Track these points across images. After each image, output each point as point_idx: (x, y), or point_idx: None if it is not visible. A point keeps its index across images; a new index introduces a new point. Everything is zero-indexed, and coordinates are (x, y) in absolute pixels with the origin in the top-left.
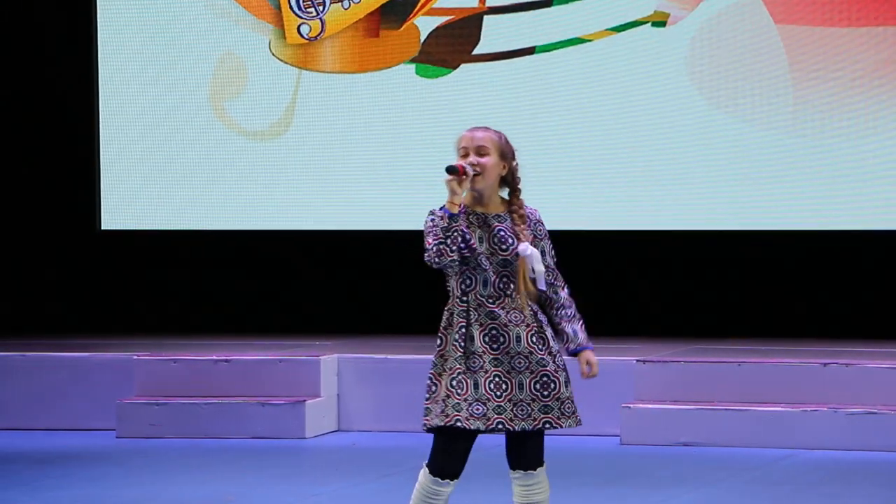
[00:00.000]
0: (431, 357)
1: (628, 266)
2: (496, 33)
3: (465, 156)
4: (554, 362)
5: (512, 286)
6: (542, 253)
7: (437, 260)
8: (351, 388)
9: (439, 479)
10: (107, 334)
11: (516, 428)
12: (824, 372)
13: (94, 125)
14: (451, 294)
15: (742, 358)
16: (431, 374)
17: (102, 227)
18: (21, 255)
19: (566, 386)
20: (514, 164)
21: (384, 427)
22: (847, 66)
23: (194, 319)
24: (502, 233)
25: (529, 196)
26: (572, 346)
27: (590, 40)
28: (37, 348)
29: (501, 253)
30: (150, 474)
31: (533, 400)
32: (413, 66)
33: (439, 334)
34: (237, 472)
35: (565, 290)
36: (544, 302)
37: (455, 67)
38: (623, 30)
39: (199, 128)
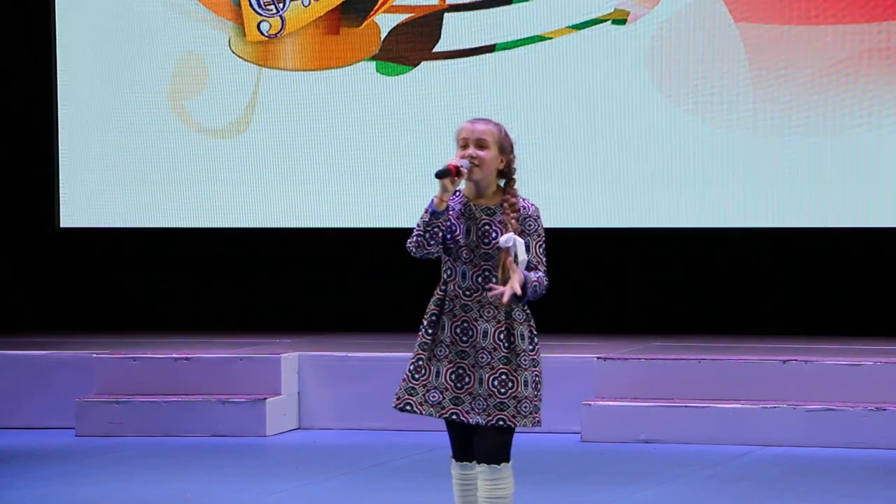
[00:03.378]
0: (392, 354)
1: (588, 264)
2: (456, 31)
3: (465, 146)
4: (517, 361)
5: (492, 280)
6: (527, 247)
7: (414, 250)
8: (312, 386)
9: (458, 463)
10: (66, 332)
11: (471, 420)
12: (783, 369)
13: (52, 123)
14: (440, 280)
15: (702, 355)
16: (412, 357)
17: (61, 226)
18: None
19: (526, 386)
20: (512, 157)
21: (345, 425)
22: (806, 65)
23: (154, 318)
24: (487, 227)
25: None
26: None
27: (550, 38)
28: None
29: (484, 247)
30: (109, 473)
31: (490, 395)
32: (373, 63)
33: (423, 320)
34: (197, 471)
35: (541, 272)
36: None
37: (415, 65)
38: (583, 28)
39: (159, 126)
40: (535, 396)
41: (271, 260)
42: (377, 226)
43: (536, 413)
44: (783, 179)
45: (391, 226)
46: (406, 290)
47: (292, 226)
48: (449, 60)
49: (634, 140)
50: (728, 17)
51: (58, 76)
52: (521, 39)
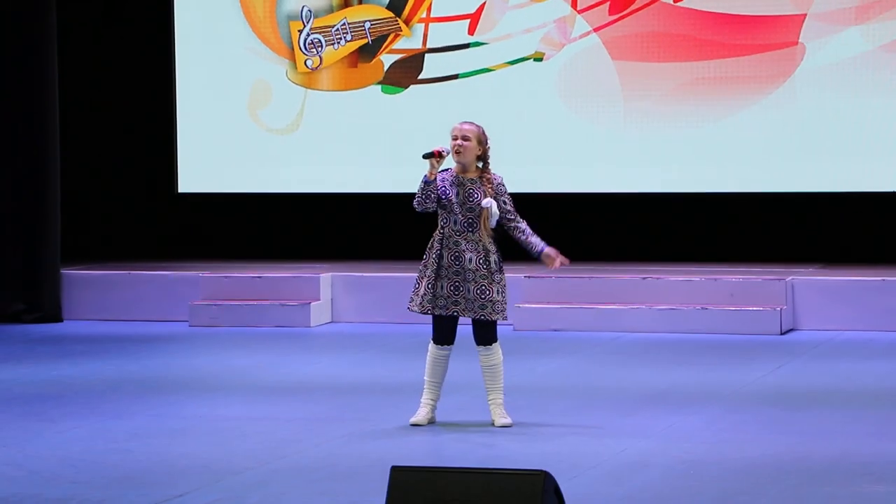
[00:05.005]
0: (392, 274)
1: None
2: (433, 65)
3: (455, 139)
4: (490, 277)
5: (474, 226)
6: (503, 203)
7: (417, 207)
8: (340, 294)
9: (438, 346)
10: (184, 260)
11: (466, 315)
12: (643, 283)
13: (173, 126)
14: (437, 226)
15: (591, 275)
16: (417, 276)
17: (179, 191)
18: (126, 211)
19: (498, 293)
20: (487, 147)
21: (363, 319)
22: (658, 88)
23: (239, 252)
24: (471, 190)
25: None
26: (536, 251)
27: (494, 70)
28: (139, 268)
29: (468, 202)
30: (211, 350)
31: (475, 300)
32: (380, 86)
33: (425, 252)
34: (267, 349)
35: (521, 224)
36: (508, 232)
37: (406, 88)
38: (515, 63)
39: (241, 127)
40: (503, 300)
41: (314, 214)
42: (381, 191)
43: (504, 311)
44: (643, 160)
45: (391, 191)
46: (400, 235)
47: (329, 191)
48: (428, 84)
49: (545, 135)
50: (608, 56)
51: (177, 92)
52: (475, 70)
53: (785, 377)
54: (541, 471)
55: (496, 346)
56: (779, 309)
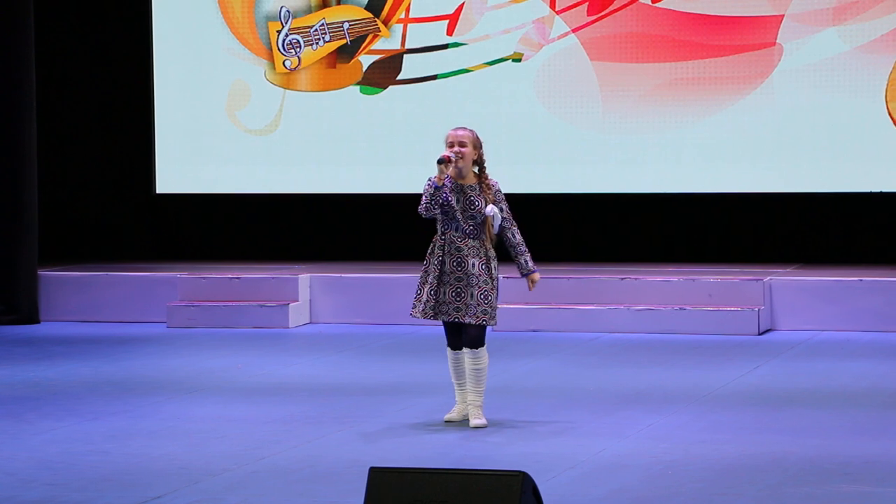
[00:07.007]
0: (369, 275)
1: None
2: (412, 66)
3: (451, 146)
4: (491, 282)
5: (476, 232)
6: (500, 210)
7: (423, 213)
8: (318, 295)
9: (451, 350)
10: (160, 262)
11: (465, 321)
12: (621, 283)
13: (151, 126)
14: (437, 231)
15: (568, 275)
16: (419, 282)
17: (157, 191)
18: (103, 211)
19: (496, 299)
20: (481, 151)
21: (340, 320)
22: (635, 88)
23: (216, 252)
24: (472, 198)
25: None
26: (523, 272)
27: (472, 70)
28: (116, 269)
29: (470, 210)
30: (188, 351)
31: (478, 305)
32: (358, 87)
33: (426, 258)
34: (244, 350)
35: (517, 235)
36: (504, 242)
37: (385, 88)
38: (494, 64)
39: (220, 127)
40: (496, 306)
41: (292, 214)
42: (360, 192)
43: (496, 316)
44: (620, 161)
45: (370, 192)
46: (379, 236)
47: (308, 192)
48: (407, 85)
49: (521, 135)
50: (585, 56)
51: (154, 93)
52: (453, 71)
53: (763, 377)
54: (519, 471)
55: (484, 350)
56: (756, 309)
